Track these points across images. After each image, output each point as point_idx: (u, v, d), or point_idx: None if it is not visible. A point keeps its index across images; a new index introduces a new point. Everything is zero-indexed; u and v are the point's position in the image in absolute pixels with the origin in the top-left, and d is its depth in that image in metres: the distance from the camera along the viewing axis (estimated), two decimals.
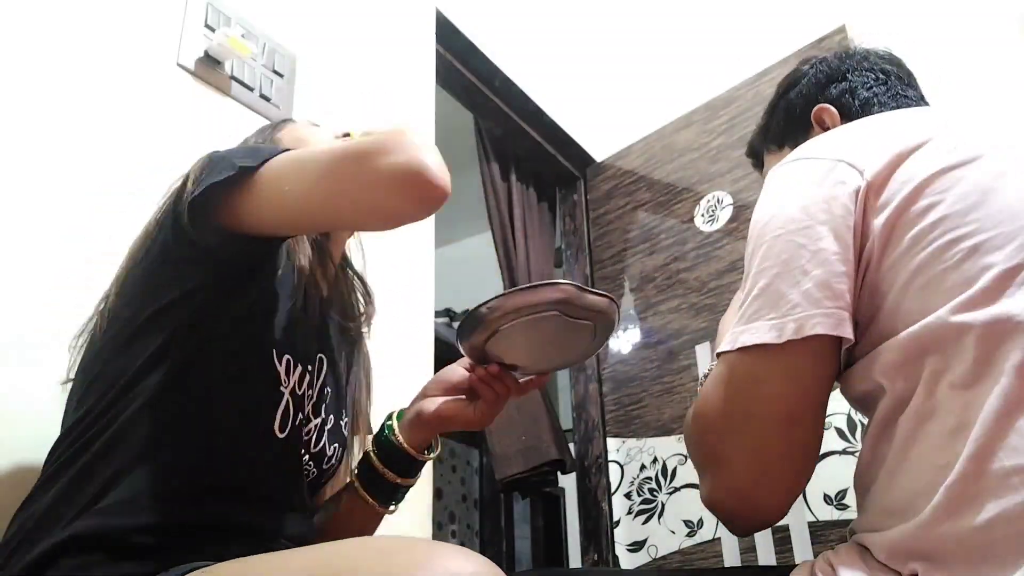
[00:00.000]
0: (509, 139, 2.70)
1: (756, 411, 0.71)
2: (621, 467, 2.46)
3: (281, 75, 1.52)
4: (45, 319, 1.01)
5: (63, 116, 1.16)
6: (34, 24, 1.16)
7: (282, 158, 0.74)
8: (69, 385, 0.84)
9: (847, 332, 0.68)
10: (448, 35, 2.19)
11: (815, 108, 1.01)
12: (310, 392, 0.86)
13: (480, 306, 0.80)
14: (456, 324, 3.47)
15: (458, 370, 0.94)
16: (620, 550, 2.37)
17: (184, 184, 0.76)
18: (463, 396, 0.93)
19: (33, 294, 1.04)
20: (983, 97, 2.06)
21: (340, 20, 1.75)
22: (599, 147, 2.85)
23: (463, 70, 2.33)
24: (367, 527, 0.96)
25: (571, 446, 2.55)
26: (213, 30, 1.40)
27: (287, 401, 0.81)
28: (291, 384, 0.82)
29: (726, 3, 2.72)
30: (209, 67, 1.39)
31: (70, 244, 1.09)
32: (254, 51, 1.43)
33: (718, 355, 0.75)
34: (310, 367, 0.86)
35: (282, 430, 0.81)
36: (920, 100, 1.00)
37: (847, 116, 0.98)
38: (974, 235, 0.65)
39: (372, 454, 0.94)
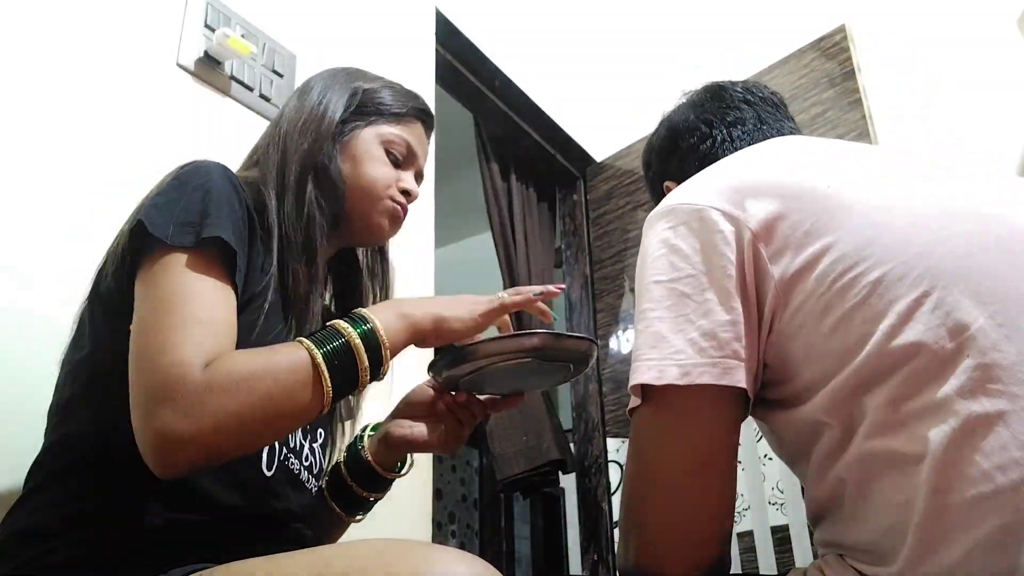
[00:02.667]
0: (509, 139, 2.70)
1: (663, 465, 0.70)
2: (621, 467, 2.46)
3: (281, 75, 1.52)
4: (44, 319, 1.01)
5: (63, 116, 1.16)
6: (34, 24, 1.16)
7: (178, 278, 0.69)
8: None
9: (736, 381, 0.67)
10: (448, 35, 2.19)
11: (663, 186, 1.04)
12: None
13: (459, 346, 0.82)
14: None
15: (427, 391, 0.93)
16: (617, 553, 2.37)
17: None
18: (430, 419, 0.91)
19: (32, 294, 1.04)
20: (983, 97, 2.06)
21: (340, 20, 1.75)
22: (599, 147, 2.85)
23: (463, 70, 2.33)
24: (332, 531, 0.96)
25: (571, 446, 2.55)
26: (213, 30, 1.40)
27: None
28: None
29: (726, 3, 2.72)
30: (209, 67, 1.39)
31: (70, 244, 1.09)
32: (254, 51, 1.43)
33: (629, 413, 0.73)
34: None
35: (269, 468, 0.79)
36: (757, 129, 1.01)
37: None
38: (874, 269, 0.65)
39: (341, 465, 0.94)
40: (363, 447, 0.93)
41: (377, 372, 0.74)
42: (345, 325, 0.73)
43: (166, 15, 1.35)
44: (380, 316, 0.75)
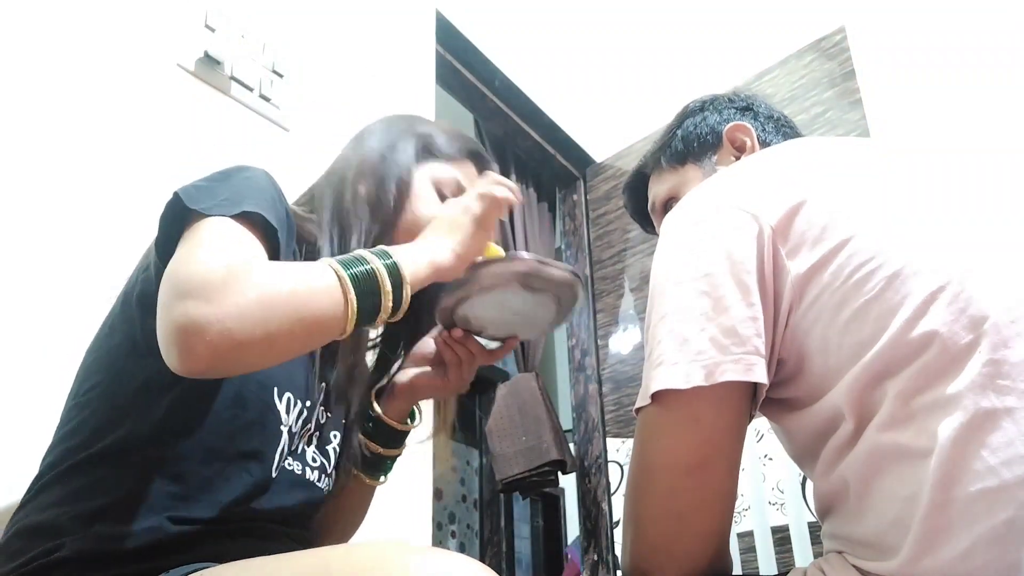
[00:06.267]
0: (509, 139, 2.70)
1: (661, 462, 0.70)
2: (621, 467, 2.46)
3: (281, 75, 1.52)
4: (41, 319, 1.01)
5: (62, 116, 1.16)
6: (34, 25, 1.16)
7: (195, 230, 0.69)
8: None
9: (758, 376, 0.67)
10: (448, 35, 2.19)
11: (730, 125, 1.01)
12: (308, 426, 0.85)
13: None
14: None
15: (428, 341, 0.95)
16: (620, 550, 2.38)
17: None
18: (432, 366, 0.94)
19: (30, 294, 1.04)
20: (983, 97, 2.06)
21: (340, 20, 1.75)
22: (599, 147, 2.85)
23: (463, 70, 2.33)
24: (359, 501, 0.97)
25: (571, 446, 2.56)
26: (213, 30, 1.40)
27: (284, 440, 0.81)
28: (290, 422, 0.81)
29: (726, 4, 2.72)
30: (209, 67, 1.38)
31: (70, 243, 1.09)
32: (254, 51, 1.43)
33: (635, 412, 0.73)
34: (308, 402, 0.85)
35: (275, 469, 0.80)
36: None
37: (757, 140, 1.00)
38: (890, 263, 0.65)
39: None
40: (371, 406, 0.95)
41: (399, 307, 0.72)
42: (370, 254, 0.72)
43: (166, 15, 1.35)
44: (401, 252, 0.74)
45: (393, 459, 0.97)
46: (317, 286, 0.66)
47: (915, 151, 0.81)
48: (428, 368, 0.94)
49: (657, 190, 1.08)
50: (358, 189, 0.89)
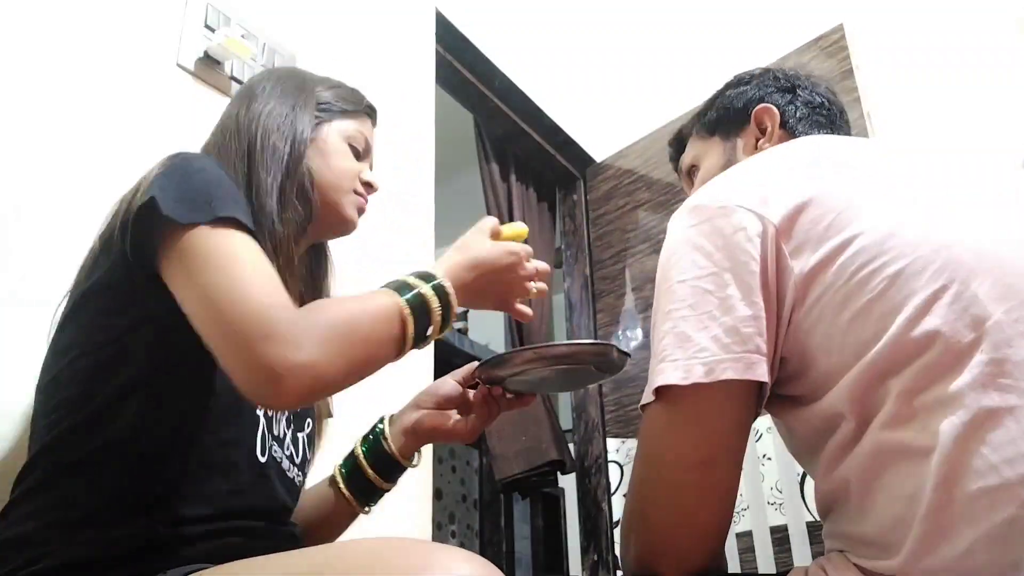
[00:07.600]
0: (509, 139, 2.70)
1: (664, 459, 0.71)
2: (621, 467, 2.46)
3: None
4: (39, 321, 1.01)
5: (62, 117, 1.16)
6: (34, 24, 1.16)
7: (232, 244, 0.69)
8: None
9: (758, 375, 0.68)
10: (448, 35, 2.19)
11: (758, 106, 1.02)
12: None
13: (528, 348, 0.86)
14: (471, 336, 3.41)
15: (450, 383, 0.95)
16: (619, 548, 2.37)
17: (133, 196, 0.75)
18: (455, 409, 0.95)
19: (29, 295, 1.04)
20: (982, 97, 2.06)
21: (340, 20, 1.75)
22: (599, 147, 2.85)
23: (463, 70, 2.33)
24: (341, 523, 0.98)
25: (571, 446, 2.55)
26: (213, 30, 1.40)
27: (263, 424, 0.81)
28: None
29: (725, 3, 2.73)
30: (209, 67, 1.39)
31: (67, 245, 1.09)
32: (254, 51, 1.44)
33: (641, 408, 0.75)
34: None
35: (263, 453, 0.80)
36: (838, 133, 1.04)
37: (784, 125, 1.01)
38: (893, 263, 0.65)
39: (362, 457, 0.95)
40: (384, 437, 0.95)
41: (446, 325, 0.77)
42: (415, 279, 0.77)
43: (166, 15, 1.35)
44: (442, 273, 0.79)
45: (382, 493, 0.97)
46: (380, 319, 0.71)
47: (915, 150, 0.82)
48: (451, 414, 0.95)
49: (685, 156, 1.10)
50: (272, 144, 0.89)
